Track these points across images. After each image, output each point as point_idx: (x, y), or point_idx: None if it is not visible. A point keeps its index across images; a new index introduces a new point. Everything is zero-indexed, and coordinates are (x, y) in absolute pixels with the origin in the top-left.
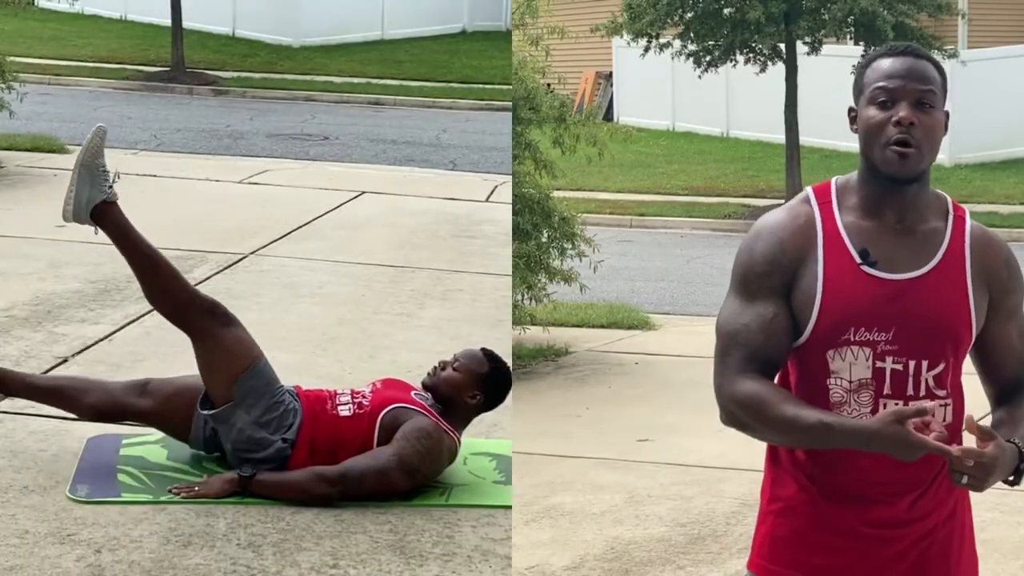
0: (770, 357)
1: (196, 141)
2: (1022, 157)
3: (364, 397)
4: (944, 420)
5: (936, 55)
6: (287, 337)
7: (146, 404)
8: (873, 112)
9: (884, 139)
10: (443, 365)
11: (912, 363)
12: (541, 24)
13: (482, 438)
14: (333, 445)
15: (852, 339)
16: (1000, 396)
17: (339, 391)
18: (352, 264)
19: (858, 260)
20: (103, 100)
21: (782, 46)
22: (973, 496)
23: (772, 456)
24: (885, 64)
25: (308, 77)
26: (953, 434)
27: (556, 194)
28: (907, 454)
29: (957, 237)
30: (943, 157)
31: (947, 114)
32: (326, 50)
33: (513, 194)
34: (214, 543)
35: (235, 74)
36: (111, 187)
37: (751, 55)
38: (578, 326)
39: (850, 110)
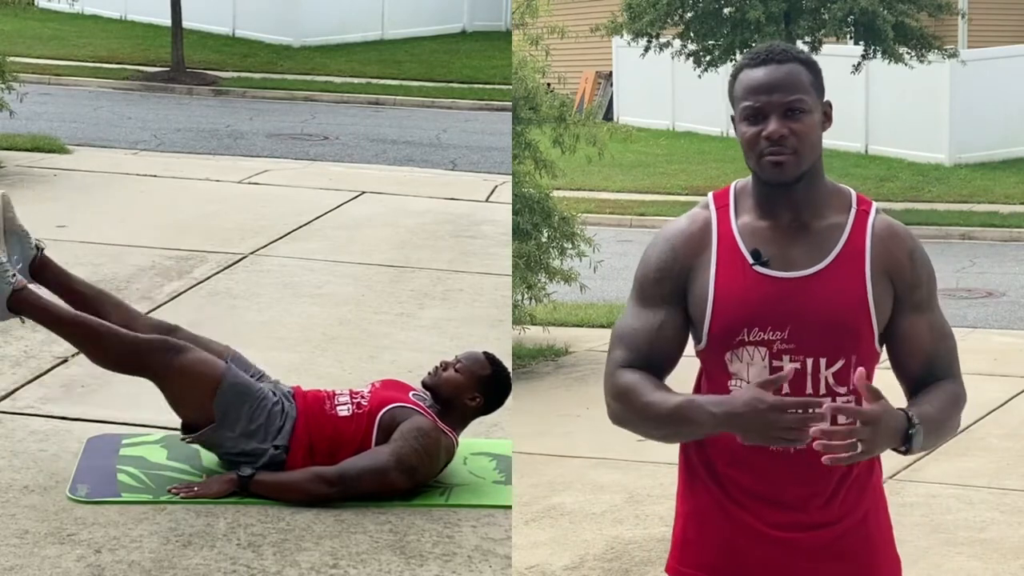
0: (654, 361)
1: (196, 141)
2: (1022, 157)
3: (363, 397)
4: (846, 419)
5: (936, 55)
6: (287, 337)
7: (163, 362)
8: (745, 127)
9: (758, 152)
10: (444, 365)
11: (810, 361)
12: (541, 24)
13: (482, 438)
14: (332, 445)
15: (747, 339)
16: (913, 391)
17: (338, 391)
18: (352, 264)
19: (750, 260)
20: (103, 100)
21: None
22: (973, 496)
23: (684, 459)
24: (750, 76)
25: (308, 77)
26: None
27: (556, 194)
28: (765, 429)
29: (858, 231)
30: (943, 157)
31: (828, 104)
32: (326, 50)
33: (513, 194)
34: (214, 543)
35: (235, 74)
36: (14, 276)
37: None
38: (578, 326)
39: (732, 117)
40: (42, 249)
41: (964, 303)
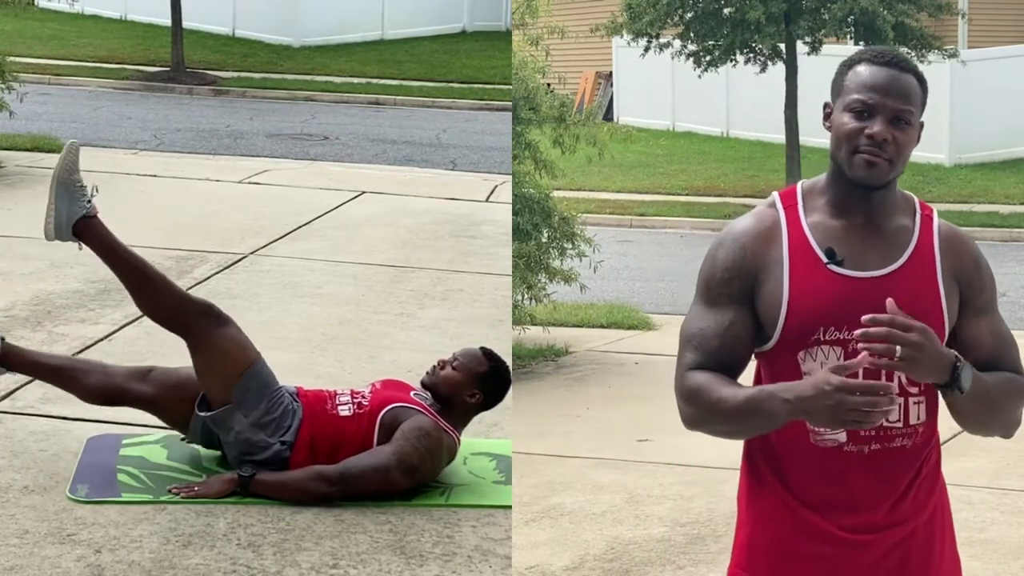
0: (725, 362)
1: (196, 141)
2: (1022, 157)
3: (364, 397)
4: (918, 418)
5: (936, 55)
6: (287, 337)
7: (147, 391)
8: (847, 119)
9: (853, 147)
10: (442, 364)
11: (874, 382)
12: (541, 24)
13: (482, 438)
14: (333, 445)
15: (822, 339)
16: None
17: (339, 391)
18: (352, 264)
19: (824, 259)
20: (103, 100)
21: (782, 46)
22: (973, 497)
23: (749, 462)
24: (868, 72)
25: (308, 77)
26: (929, 434)
27: (556, 194)
28: (834, 411)
29: (926, 235)
30: (943, 157)
31: (921, 125)
32: (326, 50)
33: (513, 194)
34: (214, 543)
35: (235, 74)
36: (90, 201)
37: (751, 55)
38: (578, 326)
39: (825, 106)
40: (93, 215)
41: None
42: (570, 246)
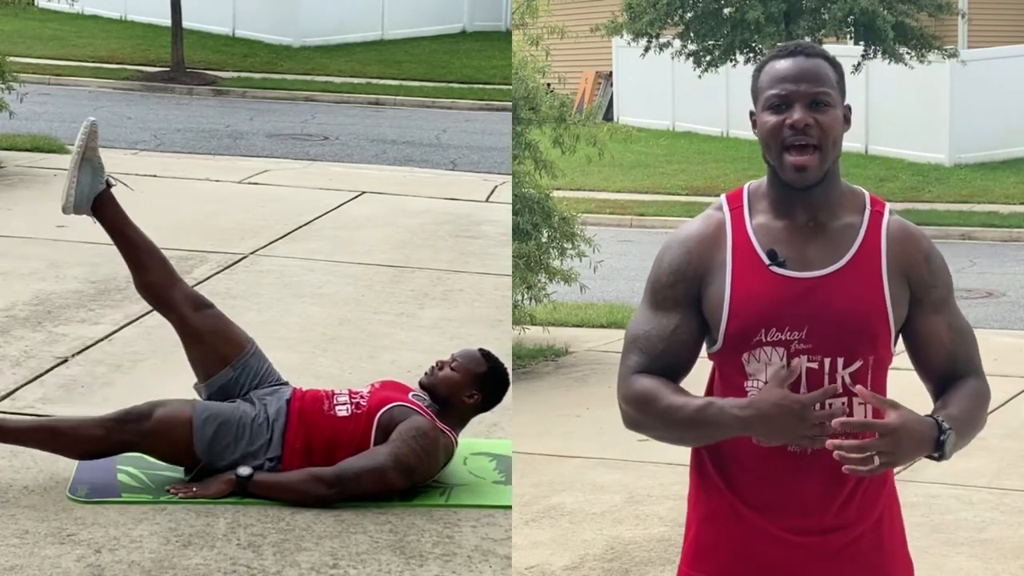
0: (669, 365)
1: (196, 141)
2: (1022, 157)
3: (362, 397)
4: (865, 417)
5: (936, 55)
6: (287, 337)
7: (135, 431)
8: (768, 117)
9: (780, 142)
10: (440, 365)
11: (827, 361)
12: (541, 24)
13: (482, 438)
14: (330, 445)
15: (764, 340)
16: (938, 391)
17: (337, 391)
18: (352, 264)
19: (766, 261)
20: (103, 100)
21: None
22: (973, 496)
23: (697, 464)
24: (777, 67)
25: (308, 77)
26: (875, 435)
27: (556, 194)
28: (794, 429)
29: (873, 232)
30: (942, 157)
31: (848, 108)
32: (326, 50)
33: (513, 194)
34: (214, 543)
35: (235, 74)
36: (106, 177)
37: (751, 55)
38: (578, 326)
39: (751, 114)
40: (112, 186)
41: (964, 303)
42: (570, 246)
